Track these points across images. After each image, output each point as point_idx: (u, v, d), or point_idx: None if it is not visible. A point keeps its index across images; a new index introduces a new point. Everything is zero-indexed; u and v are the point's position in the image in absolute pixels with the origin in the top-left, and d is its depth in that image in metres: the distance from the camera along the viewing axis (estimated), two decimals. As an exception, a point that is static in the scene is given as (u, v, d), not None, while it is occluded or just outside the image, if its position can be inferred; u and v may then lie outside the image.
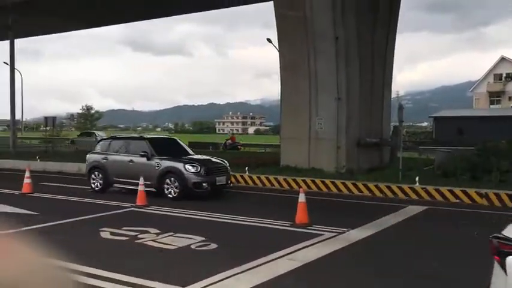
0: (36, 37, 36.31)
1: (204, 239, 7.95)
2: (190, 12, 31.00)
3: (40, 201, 12.19)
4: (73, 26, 31.26)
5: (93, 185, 13.96)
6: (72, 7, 24.40)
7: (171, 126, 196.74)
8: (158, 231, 8.44)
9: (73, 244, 7.80)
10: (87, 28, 33.13)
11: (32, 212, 10.38)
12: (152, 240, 7.85)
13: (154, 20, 32.75)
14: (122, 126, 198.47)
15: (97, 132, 45.49)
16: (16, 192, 13.34)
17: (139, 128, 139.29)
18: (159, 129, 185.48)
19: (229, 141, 37.54)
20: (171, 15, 32.19)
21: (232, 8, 28.73)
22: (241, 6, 27.46)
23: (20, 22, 23.10)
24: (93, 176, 14.00)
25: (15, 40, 23.86)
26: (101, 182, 13.77)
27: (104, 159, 13.87)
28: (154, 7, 26.54)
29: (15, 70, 24.65)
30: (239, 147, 36.44)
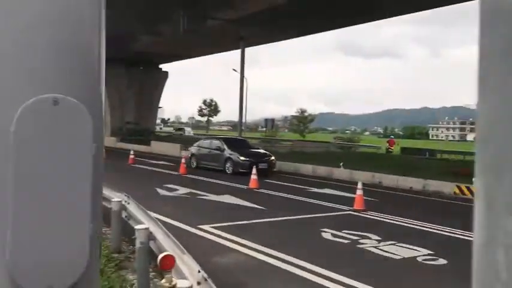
0: (254, 46, 39.51)
1: (430, 252, 7.40)
2: (404, 14, 29.70)
3: (265, 197, 13.17)
4: (290, 35, 33.20)
5: None
6: (289, 17, 25.89)
7: (380, 130, 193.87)
8: (379, 238, 8.22)
9: (297, 241, 8.18)
10: (302, 36, 34.82)
11: (259, 206, 11.26)
12: (374, 247, 7.66)
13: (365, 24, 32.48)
14: (330, 129, 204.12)
15: (186, 128, 56.21)
16: (244, 187, 14.72)
17: (348, 132, 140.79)
18: (367, 133, 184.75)
19: (387, 144, 36.04)
20: (384, 18, 31.35)
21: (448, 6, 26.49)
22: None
23: (247, 33, 25.67)
24: None
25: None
26: None
27: None
28: (366, 11, 26.28)
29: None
30: (390, 150, 34.64)
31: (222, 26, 26.52)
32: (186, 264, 3.82)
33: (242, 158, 18.30)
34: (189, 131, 61.95)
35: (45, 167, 1.01)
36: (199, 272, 3.51)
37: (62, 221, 1.02)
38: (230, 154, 18.77)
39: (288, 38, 35.20)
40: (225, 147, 19.24)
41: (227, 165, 18.65)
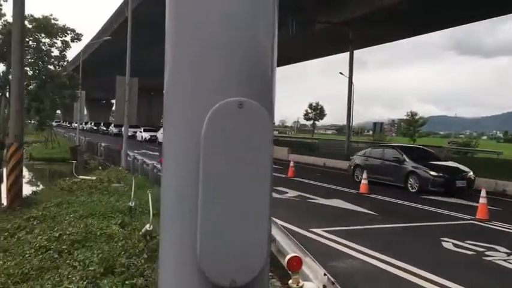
0: (363, 48, 38.39)
1: None
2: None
3: (376, 202, 12.78)
4: (399, 36, 31.88)
5: None
6: (400, 17, 24.87)
7: (499, 134, 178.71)
8: (508, 251, 7.56)
9: (416, 249, 7.84)
10: (412, 36, 33.23)
11: (371, 212, 10.94)
12: (503, 260, 7.06)
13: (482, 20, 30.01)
14: (442, 133, 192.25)
15: None
16: (353, 191, 14.43)
17: (462, 136, 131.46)
18: (485, 137, 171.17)
19: None
20: (505, 14, 28.70)
21: None
22: None
23: (357, 35, 25.19)
24: None
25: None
26: None
27: None
28: (485, 7, 24.31)
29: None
30: None
31: (331, 30, 26.31)
32: (310, 266, 3.83)
33: (433, 172, 14.53)
34: None
35: (232, 167, 1.06)
36: (325, 275, 3.50)
37: (245, 219, 1.07)
38: (414, 167, 15.09)
39: (400, 39, 33.84)
40: (406, 157, 15.66)
41: (410, 181, 15.03)
